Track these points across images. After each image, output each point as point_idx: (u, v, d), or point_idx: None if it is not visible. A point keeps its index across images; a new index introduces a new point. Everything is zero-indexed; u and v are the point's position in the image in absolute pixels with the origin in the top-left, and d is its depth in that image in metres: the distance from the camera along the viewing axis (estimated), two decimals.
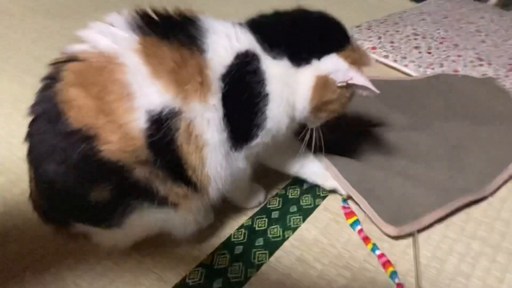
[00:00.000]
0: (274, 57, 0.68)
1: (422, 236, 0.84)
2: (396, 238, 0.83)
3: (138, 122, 0.60)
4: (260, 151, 0.73)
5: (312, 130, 0.79)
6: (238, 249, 0.78)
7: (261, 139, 0.70)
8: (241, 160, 0.71)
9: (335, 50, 0.71)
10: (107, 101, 0.59)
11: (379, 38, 1.51)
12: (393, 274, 0.75)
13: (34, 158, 0.64)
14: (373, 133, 1.05)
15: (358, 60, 0.74)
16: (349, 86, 0.73)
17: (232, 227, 0.83)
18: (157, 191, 0.64)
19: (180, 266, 0.74)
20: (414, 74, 1.35)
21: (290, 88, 0.70)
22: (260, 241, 0.80)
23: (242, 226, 0.83)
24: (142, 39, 0.62)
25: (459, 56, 1.42)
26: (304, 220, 0.85)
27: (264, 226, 0.83)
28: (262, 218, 0.85)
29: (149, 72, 0.60)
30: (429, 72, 1.34)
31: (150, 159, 0.61)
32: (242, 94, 0.66)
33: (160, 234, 0.74)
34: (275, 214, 0.86)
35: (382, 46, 1.46)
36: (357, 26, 1.59)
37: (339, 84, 0.72)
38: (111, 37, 0.62)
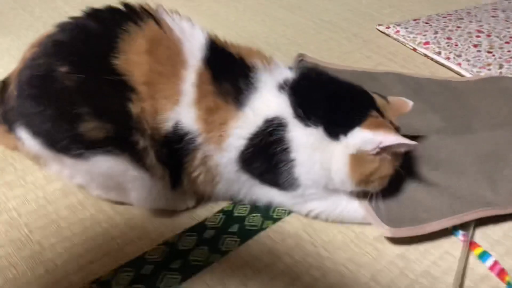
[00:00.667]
0: (307, 125, 0.67)
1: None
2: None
3: (167, 123, 0.66)
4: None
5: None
6: (209, 233, 0.75)
7: (305, 190, 0.72)
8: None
9: (357, 124, 0.67)
10: (158, 81, 0.65)
11: (436, 33, 1.38)
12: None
13: (62, 51, 0.66)
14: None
15: (385, 119, 0.71)
16: (385, 149, 0.68)
17: (211, 211, 0.79)
18: (142, 158, 0.67)
19: (144, 241, 0.73)
20: (466, 74, 1.21)
21: (323, 155, 0.69)
22: (234, 228, 0.76)
23: (221, 211, 0.79)
24: (203, 69, 0.67)
25: None
26: (290, 213, 0.79)
27: (245, 213, 0.79)
28: (245, 204, 0.80)
29: (194, 98, 0.66)
30: (484, 73, 1.20)
31: (159, 141, 0.67)
32: (266, 160, 0.69)
33: (132, 208, 0.74)
34: None
35: (437, 42, 1.33)
36: (415, 20, 1.47)
37: (373, 152, 0.68)
38: (191, 40, 0.69)
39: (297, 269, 0.70)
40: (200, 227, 0.76)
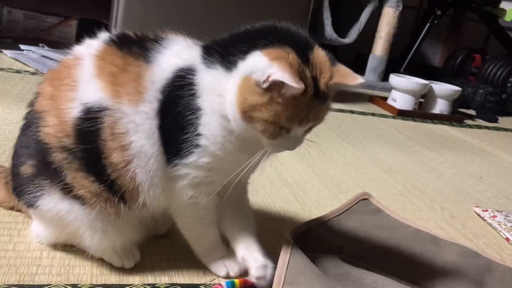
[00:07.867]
0: (209, 66, 0.67)
1: None
2: None
3: (73, 111, 0.67)
4: (208, 177, 0.70)
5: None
6: None
7: (198, 157, 0.68)
8: (182, 181, 0.70)
9: (259, 47, 0.64)
10: (59, 90, 0.70)
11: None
12: None
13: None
14: None
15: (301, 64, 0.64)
16: (275, 87, 0.62)
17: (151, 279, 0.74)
18: (64, 178, 0.68)
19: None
20: None
21: (221, 98, 0.67)
22: None
23: (152, 285, 0.73)
24: (103, 46, 0.70)
25: None
26: None
27: None
28: None
29: (94, 72, 0.68)
30: None
31: (71, 146, 0.67)
32: (175, 107, 0.68)
33: None
34: None
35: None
36: (499, 210, 1.24)
37: (264, 86, 0.62)
38: (87, 45, 0.72)
39: None
40: None
